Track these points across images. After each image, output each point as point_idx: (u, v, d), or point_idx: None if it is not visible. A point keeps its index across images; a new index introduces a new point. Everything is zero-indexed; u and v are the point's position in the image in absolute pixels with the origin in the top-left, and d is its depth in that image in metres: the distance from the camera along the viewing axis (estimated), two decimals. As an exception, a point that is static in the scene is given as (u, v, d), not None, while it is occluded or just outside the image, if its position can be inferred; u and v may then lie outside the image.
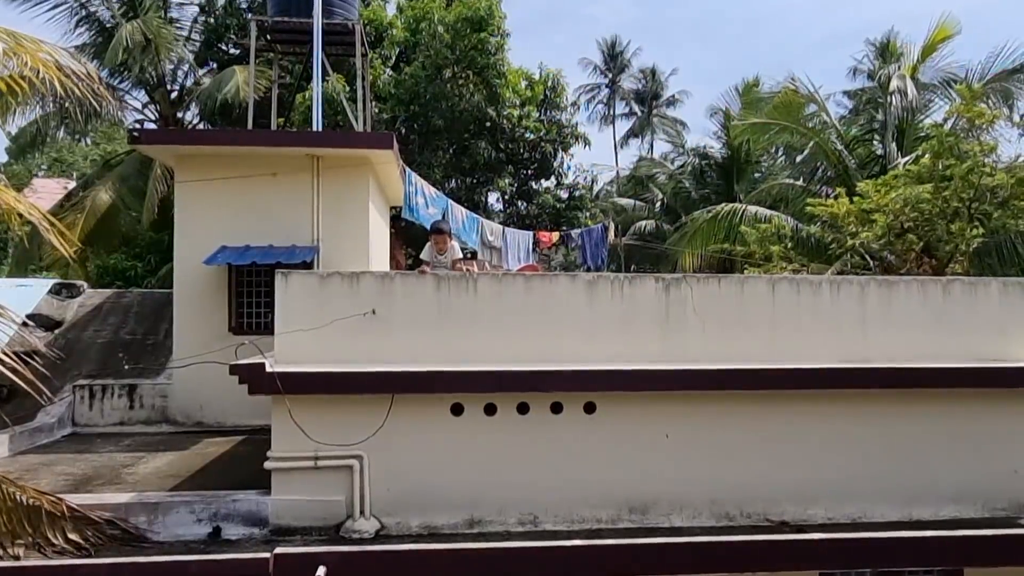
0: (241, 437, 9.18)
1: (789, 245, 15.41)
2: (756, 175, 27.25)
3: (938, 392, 6.40)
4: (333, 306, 6.15)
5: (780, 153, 30.96)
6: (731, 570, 5.80)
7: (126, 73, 19.46)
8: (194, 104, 20.91)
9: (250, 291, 10.19)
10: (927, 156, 13.27)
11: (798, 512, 6.28)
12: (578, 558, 5.58)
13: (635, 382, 6.13)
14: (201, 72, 21.55)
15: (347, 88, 17.73)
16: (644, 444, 6.23)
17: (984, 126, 12.81)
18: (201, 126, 20.85)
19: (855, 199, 13.45)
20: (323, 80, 12.70)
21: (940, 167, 12.68)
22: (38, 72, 5.94)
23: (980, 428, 6.48)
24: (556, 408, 6.17)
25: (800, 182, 19.04)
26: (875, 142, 17.65)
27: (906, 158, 15.55)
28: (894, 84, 15.95)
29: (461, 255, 7.35)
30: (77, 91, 6.23)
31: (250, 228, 10.09)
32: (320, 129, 12.25)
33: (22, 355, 5.11)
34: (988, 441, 6.48)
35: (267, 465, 5.91)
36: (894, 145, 16.57)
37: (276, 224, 10.15)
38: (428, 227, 12.91)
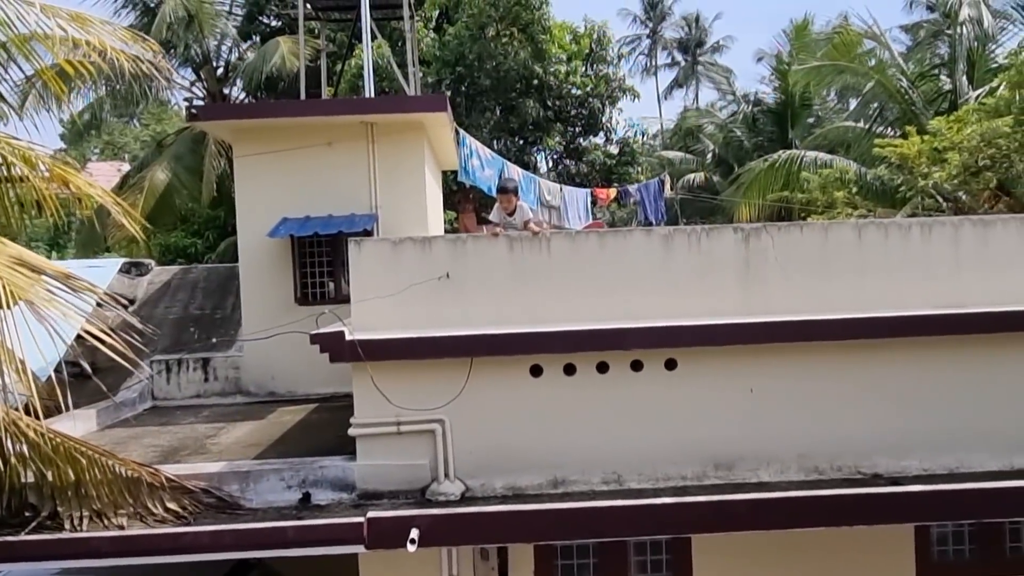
0: (313, 405, 9.33)
1: (854, 190, 14.85)
2: (810, 120, 26.24)
3: (1039, 335, 6.08)
4: (406, 271, 6.10)
5: (831, 96, 29.72)
6: (823, 524, 5.69)
7: (172, 52, 19.61)
8: (239, 79, 21.02)
9: (312, 261, 10.26)
10: (1004, 87, 12.55)
11: (891, 464, 6.08)
12: (666, 515, 5.53)
13: (716, 336, 5.97)
14: (244, 46, 21.60)
15: (389, 54, 17.57)
16: (728, 399, 6.10)
17: (1067, 52, 12.01)
18: (248, 100, 20.96)
19: (926, 138, 12.82)
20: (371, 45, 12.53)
21: (1019, 98, 11.96)
22: (105, 54, 5.96)
23: (1086, 371, 6.15)
24: (636, 366, 6.06)
25: (861, 124, 18.25)
26: (942, 77, 16.76)
27: (979, 91, 14.74)
28: (964, 13, 15.04)
29: (531, 215, 7.22)
30: (143, 69, 6.26)
31: (309, 199, 10.08)
32: (372, 96, 12.14)
33: (113, 331, 5.21)
34: (1095, 385, 6.15)
35: (351, 432, 5.96)
36: (964, 78, 15.70)
37: (334, 193, 10.13)
38: (486, 190, 12.85)
